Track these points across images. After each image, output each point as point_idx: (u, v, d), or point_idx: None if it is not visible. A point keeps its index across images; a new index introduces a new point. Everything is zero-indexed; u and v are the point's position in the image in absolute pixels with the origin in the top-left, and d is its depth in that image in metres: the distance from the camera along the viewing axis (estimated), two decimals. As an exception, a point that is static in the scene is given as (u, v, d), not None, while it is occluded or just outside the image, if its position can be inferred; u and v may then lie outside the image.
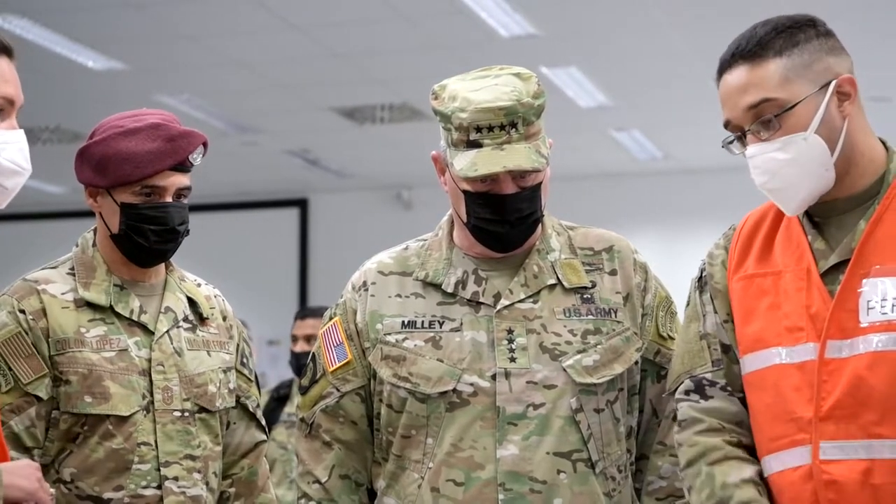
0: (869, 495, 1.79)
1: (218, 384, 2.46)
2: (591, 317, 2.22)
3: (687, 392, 2.00)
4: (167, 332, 2.42)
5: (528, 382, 2.15)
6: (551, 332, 2.19)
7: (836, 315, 1.84)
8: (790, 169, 1.86)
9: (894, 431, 1.79)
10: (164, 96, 8.34)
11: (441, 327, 2.21)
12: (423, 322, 2.22)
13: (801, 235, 1.93)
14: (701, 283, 2.06)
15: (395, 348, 2.22)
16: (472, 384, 2.16)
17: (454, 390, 2.16)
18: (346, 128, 9.20)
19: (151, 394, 2.36)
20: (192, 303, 2.51)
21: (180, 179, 2.42)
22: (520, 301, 2.21)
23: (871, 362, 1.80)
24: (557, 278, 2.24)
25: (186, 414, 2.39)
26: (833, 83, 1.86)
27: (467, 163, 2.14)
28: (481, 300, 2.21)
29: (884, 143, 1.96)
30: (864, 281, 1.83)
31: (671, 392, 2.05)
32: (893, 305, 1.80)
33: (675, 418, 2.04)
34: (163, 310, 2.45)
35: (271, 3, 6.58)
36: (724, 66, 1.91)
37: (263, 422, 2.59)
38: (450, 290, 2.23)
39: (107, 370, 2.33)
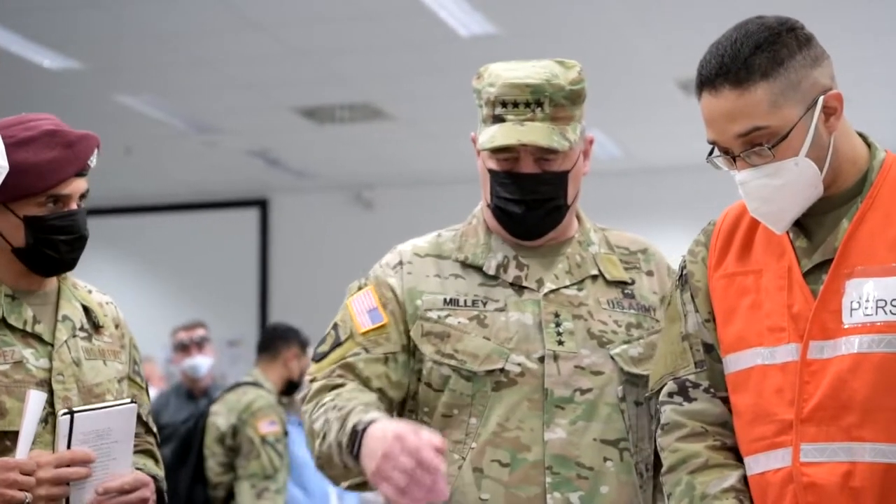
0: (849, 498, 1.77)
1: (115, 394, 2.38)
2: (633, 311, 2.21)
3: (670, 394, 1.98)
4: (66, 341, 2.34)
5: (575, 367, 2.13)
6: (597, 320, 2.17)
7: (818, 315, 1.82)
8: (782, 193, 1.84)
9: (875, 434, 1.77)
10: (122, 96, 8.27)
11: (485, 307, 2.17)
12: (465, 301, 2.18)
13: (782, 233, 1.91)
14: (681, 280, 2.03)
15: (438, 324, 2.17)
16: (519, 364, 2.13)
17: (502, 370, 2.12)
18: (307, 128, 9.17)
19: (52, 405, 2.27)
20: (86, 311, 2.42)
21: (81, 184, 2.33)
22: (565, 287, 2.19)
23: (853, 364, 1.78)
24: (599, 270, 2.23)
25: None
26: (820, 101, 1.82)
27: (488, 136, 2.13)
28: (524, 284, 2.18)
29: (865, 139, 1.93)
30: (847, 282, 1.81)
31: (654, 393, 2.02)
32: (876, 307, 1.78)
33: (658, 421, 2.01)
34: (60, 318, 2.36)
35: (231, 1, 6.54)
36: (707, 83, 1.84)
37: (155, 429, 2.52)
38: (491, 272, 2.20)
39: (2, 384, 2.23)
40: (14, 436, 2.19)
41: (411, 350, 2.19)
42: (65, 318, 2.37)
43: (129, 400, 2.26)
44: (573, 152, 2.17)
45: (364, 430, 1.92)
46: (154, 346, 8.86)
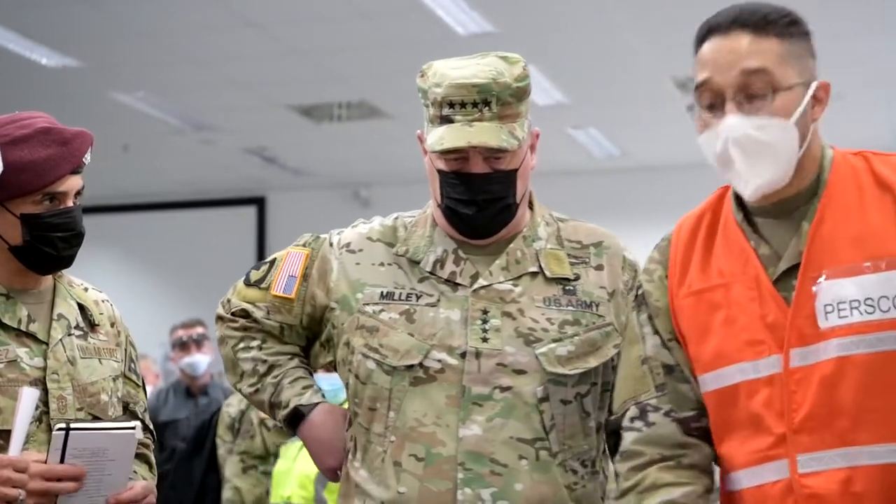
0: None
1: (110, 393, 2.39)
2: (571, 308, 2.20)
3: (632, 419, 1.95)
4: (61, 340, 2.34)
5: (497, 364, 2.14)
6: (528, 318, 2.17)
7: (794, 323, 1.80)
8: (763, 151, 1.81)
9: (870, 437, 1.75)
10: (119, 94, 8.27)
11: (417, 301, 2.19)
12: (401, 294, 2.21)
13: (742, 241, 1.88)
14: (637, 301, 2.00)
15: (371, 319, 2.20)
16: (439, 360, 2.14)
17: (420, 364, 2.15)
18: (304, 126, 9.17)
19: (46, 403, 2.27)
20: (81, 309, 2.43)
21: (77, 182, 2.34)
22: (498, 283, 2.19)
23: (836, 368, 1.76)
24: (540, 267, 2.22)
25: None
26: (814, 84, 1.85)
27: (436, 138, 2.14)
28: (458, 280, 2.19)
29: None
30: (817, 285, 1.79)
31: (619, 416, 1.99)
32: (850, 308, 1.77)
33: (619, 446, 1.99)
34: (55, 317, 2.36)
35: (228, 0, 6.54)
36: (718, 29, 1.86)
37: (151, 426, 2.53)
38: (428, 268, 2.21)
39: None
40: (8, 434, 2.19)
41: (346, 343, 2.24)
42: (60, 316, 2.37)
43: (131, 424, 2.24)
44: (521, 150, 2.17)
45: (305, 413, 2.27)
46: (151, 344, 8.86)
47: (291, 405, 2.27)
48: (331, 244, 2.31)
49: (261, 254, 11.65)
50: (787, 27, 1.84)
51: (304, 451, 3.99)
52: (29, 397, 2.16)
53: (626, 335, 2.03)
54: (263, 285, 2.33)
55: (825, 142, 1.91)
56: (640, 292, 1.99)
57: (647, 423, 1.93)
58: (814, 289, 1.79)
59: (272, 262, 2.35)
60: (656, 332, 1.95)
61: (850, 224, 1.82)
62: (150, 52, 7.39)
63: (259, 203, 11.73)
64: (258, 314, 2.32)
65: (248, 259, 11.62)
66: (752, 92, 1.81)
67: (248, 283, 2.35)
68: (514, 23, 6.93)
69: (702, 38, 1.87)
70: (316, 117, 8.97)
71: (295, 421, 2.28)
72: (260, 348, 2.32)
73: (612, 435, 2.25)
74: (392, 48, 7.30)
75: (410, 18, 6.80)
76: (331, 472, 2.29)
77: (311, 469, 3.67)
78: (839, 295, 1.78)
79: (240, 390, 2.36)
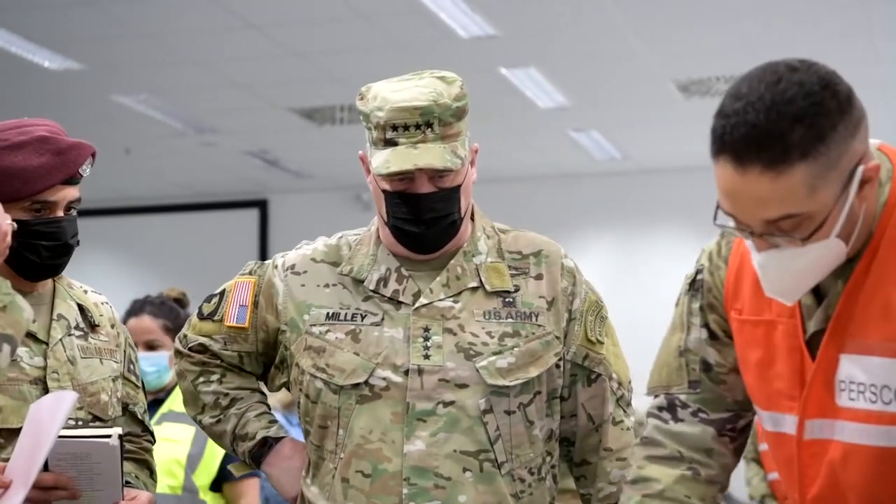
0: None
1: (109, 393, 2.41)
2: (510, 320, 2.24)
3: (659, 409, 1.89)
4: (60, 339, 2.36)
5: (440, 380, 2.18)
6: (468, 332, 2.22)
7: (814, 391, 1.66)
8: (804, 274, 1.61)
9: None
10: (121, 96, 8.29)
11: (363, 320, 2.24)
12: (346, 315, 2.26)
13: None
14: (694, 287, 1.87)
15: (318, 340, 2.25)
16: (384, 378, 2.19)
17: (366, 383, 2.19)
18: (306, 128, 9.18)
19: None
20: (81, 310, 2.45)
21: (70, 192, 2.35)
22: (439, 300, 2.24)
23: (844, 454, 1.65)
24: (480, 281, 2.26)
25: (80, 423, 2.33)
26: (858, 174, 1.55)
27: (382, 161, 2.18)
28: (400, 299, 2.24)
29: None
30: (842, 355, 1.63)
31: (649, 395, 1.94)
32: (858, 392, 1.62)
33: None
34: (55, 317, 2.38)
35: (230, 2, 6.55)
36: (730, 153, 1.53)
37: (152, 427, 2.55)
38: (371, 287, 2.26)
39: None
40: (7, 433, 2.21)
41: (296, 364, 2.28)
42: (60, 317, 2.39)
43: (108, 432, 2.21)
44: (463, 167, 2.23)
45: (271, 445, 2.32)
46: (153, 347, 8.86)
47: (259, 436, 2.33)
48: (275, 267, 2.35)
49: (263, 257, 11.66)
50: (815, 132, 1.51)
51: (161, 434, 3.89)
52: (69, 401, 2.10)
53: (673, 319, 1.91)
54: (216, 317, 2.38)
55: (884, 175, 1.64)
56: (698, 278, 1.86)
57: (676, 419, 1.88)
58: (840, 357, 1.64)
59: (222, 294, 2.40)
60: (705, 324, 1.85)
61: (882, 292, 1.61)
62: (152, 54, 7.41)
63: (261, 206, 11.74)
64: (216, 347, 2.37)
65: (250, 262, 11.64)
66: (783, 230, 1.56)
67: (201, 317, 2.40)
68: (515, 25, 6.94)
69: (717, 150, 1.55)
70: (318, 120, 8.98)
71: (260, 452, 2.33)
72: (220, 382, 2.37)
73: (564, 442, 2.32)
74: (394, 50, 7.31)
75: (412, 21, 6.81)
76: (294, 499, 2.33)
77: (179, 453, 3.56)
78: (851, 374, 1.62)
79: (200, 422, 2.40)
